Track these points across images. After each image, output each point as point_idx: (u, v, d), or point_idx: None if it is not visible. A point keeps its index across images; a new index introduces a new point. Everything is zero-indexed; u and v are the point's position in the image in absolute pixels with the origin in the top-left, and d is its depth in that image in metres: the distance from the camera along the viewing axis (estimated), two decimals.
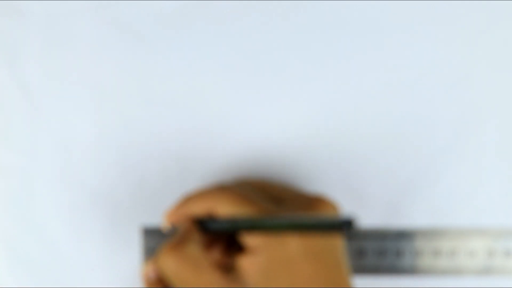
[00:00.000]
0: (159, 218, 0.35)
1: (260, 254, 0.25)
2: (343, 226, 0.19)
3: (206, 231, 0.28)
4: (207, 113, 0.35)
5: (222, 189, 0.27)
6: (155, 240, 0.35)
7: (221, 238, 0.30)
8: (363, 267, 0.34)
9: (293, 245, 0.24)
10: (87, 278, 0.35)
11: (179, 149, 0.35)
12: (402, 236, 0.34)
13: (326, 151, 0.35)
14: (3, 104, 0.35)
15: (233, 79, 0.34)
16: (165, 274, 0.27)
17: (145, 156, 0.35)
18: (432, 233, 0.35)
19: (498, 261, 0.35)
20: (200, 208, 0.28)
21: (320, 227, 0.20)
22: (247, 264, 0.25)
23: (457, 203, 0.35)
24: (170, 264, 0.26)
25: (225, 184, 0.28)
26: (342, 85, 0.34)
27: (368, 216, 0.35)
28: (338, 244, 0.26)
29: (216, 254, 0.29)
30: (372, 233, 0.34)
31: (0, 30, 0.34)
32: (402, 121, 0.34)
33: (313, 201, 0.27)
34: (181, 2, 0.34)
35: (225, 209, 0.26)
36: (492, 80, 0.34)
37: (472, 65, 0.34)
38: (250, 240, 0.25)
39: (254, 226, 0.24)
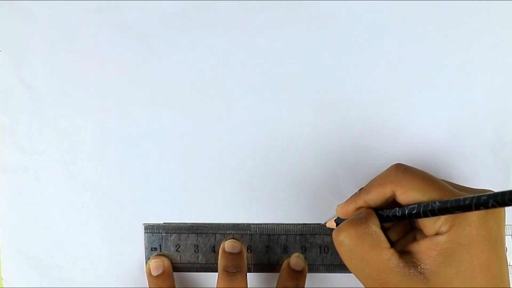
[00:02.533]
0: (162, 216, 0.35)
1: (445, 235, 0.24)
2: None
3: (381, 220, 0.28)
4: (210, 112, 0.35)
5: (402, 172, 0.26)
6: (158, 237, 0.35)
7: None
8: None
9: (477, 226, 0.24)
10: (92, 275, 0.36)
11: (181, 147, 0.35)
12: None
13: (325, 151, 0.35)
14: (9, 104, 0.35)
15: (235, 78, 0.35)
16: (342, 246, 0.26)
17: (148, 154, 0.35)
18: None
19: None
20: (379, 196, 0.27)
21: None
22: (428, 246, 0.25)
23: None
24: (352, 236, 0.26)
25: (402, 167, 0.27)
26: (341, 86, 0.34)
27: None
28: (504, 236, 0.26)
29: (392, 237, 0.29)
30: None
31: (6, 31, 0.34)
32: (399, 122, 0.35)
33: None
34: (183, 3, 0.34)
35: (410, 193, 0.26)
36: (487, 81, 0.34)
37: (468, 66, 0.34)
38: (434, 222, 0.25)
39: (446, 207, 0.24)
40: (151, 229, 0.35)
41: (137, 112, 0.35)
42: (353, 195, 0.29)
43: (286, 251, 0.35)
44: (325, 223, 0.34)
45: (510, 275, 0.27)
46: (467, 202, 0.23)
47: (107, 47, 0.34)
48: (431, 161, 0.35)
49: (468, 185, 0.34)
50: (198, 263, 0.35)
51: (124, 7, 0.34)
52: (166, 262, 0.35)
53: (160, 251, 0.35)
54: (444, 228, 0.25)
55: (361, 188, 0.29)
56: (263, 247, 0.35)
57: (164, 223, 0.35)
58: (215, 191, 0.35)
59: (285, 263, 0.35)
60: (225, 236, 0.35)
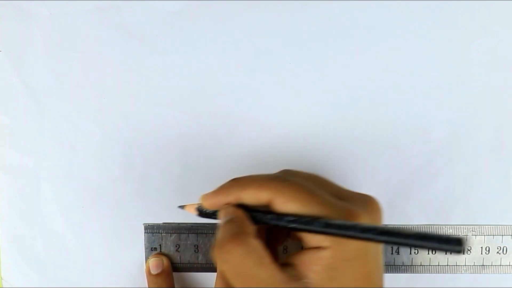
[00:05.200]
0: (161, 216, 0.35)
1: (329, 251, 0.24)
2: (456, 245, 0.19)
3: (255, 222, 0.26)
4: (210, 112, 0.35)
5: (284, 181, 0.25)
6: (158, 237, 0.35)
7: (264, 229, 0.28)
8: None
9: (357, 242, 0.23)
10: (92, 275, 0.36)
11: (181, 147, 0.35)
12: None
13: (325, 151, 0.35)
14: (9, 104, 0.35)
15: (235, 78, 0.35)
16: (227, 265, 0.24)
17: (148, 154, 0.35)
18: (428, 231, 0.35)
19: (493, 258, 0.35)
20: (253, 198, 0.25)
21: (430, 242, 0.20)
22: (311, 260, 0.24)
23: (453, 202, 0.35)
24: (235, 255, 0.24)
25: (284, 176, 0.26)
26: (341, 86, 0.34)
27: None
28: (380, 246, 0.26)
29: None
30: None
31: (7, 32, 0.34)
32: (399, 122, 0.35)
33: (369, 201, 0.26)
34: (183, 3, 0.34)
35: (289, 204, 0.24)
36: (487, 80, 0.34)
37: (468, 66, 0.34)
38: (313, 235, 0.24)
39: (333, 229, 0.23)
40: (151, 229, 0.35)
41: (137, 112, 0.35)
42: (224, 186, 0.27)
43: (286, 251, 0.35)
44: (183, 206, 0.30)
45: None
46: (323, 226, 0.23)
47: (107, 47, 0.34)
48: (431, 161, 0.35)
49: (468, 185, 0.35)
50: (198, 263, 0.35)
51: (124, 7, 0.34)
52: (166, 261, 0.35)
53: (160, 251, 0.35)
54: (326, 243, 0.24)
55: (235, 180, 0.27)
56: None
57: (164, 223, 0.35)
58: None
59: None
60: None
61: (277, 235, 0.29)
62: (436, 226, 0.35)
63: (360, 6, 0.34)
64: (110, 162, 0.35)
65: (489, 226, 0.35)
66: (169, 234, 0.35)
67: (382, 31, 0.34)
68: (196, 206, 0.29)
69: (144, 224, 0.35)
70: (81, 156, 0.35)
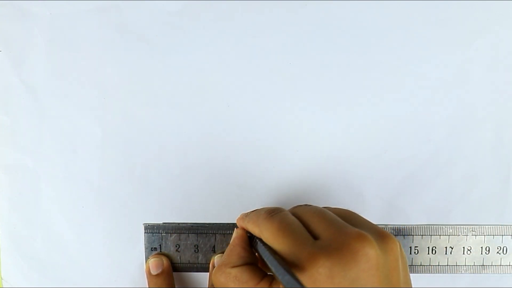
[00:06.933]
0: (162, 216, 0.35)
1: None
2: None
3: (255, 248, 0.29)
4: (210, 112, 0.35)
5: (270, 218, 0.27)
6: (158, 237, 0.35)
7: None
8: None
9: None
10: (92, 275, 0.36)
11: (181, 147, 0.35)
12: (400, 233, 0.35)
13: (325, 151, 0.35)
14: (9, 104, 0.35)
15: (235, 78, 0.35)
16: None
17: (148, 154, 0.35)
18: (429, 231, 0.35)
19: (493, 258, 0.35)
20: (252, 229, 0.29)
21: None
22: None
23: (453, 202, 0.35)
24: (221, 281, 0.27)
25: (279, 210, 0.28)
26: (341, 85, 0.34)
27: (368, 214, 0.35)
28: (394, 254, 0.25)
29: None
30: None
31: (7, 32, 0.34)
32: (399, 122, 0.35)
33: (355, 237, 0.25)
34: (183, 3, 0.34)
35: (268, 239, 0.27)
36: (487, 81, 0.34)
37: (468, 66, 0.34)
38: None
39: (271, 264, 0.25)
40: (151, 229, 0.35)
41: (137, 112, 0.35)
42: (241, 216, 0.31)
43: None
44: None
45: None
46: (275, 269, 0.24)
47: (107, 47, 0.34)
48: (431, 161, 0.35)
49: (468, 185, 0.35)
50: (198, 263, 0.35)
51: (124, 7, 0.34)
52: (166, 261, 0.35)
53: (160, 251, 0.35)
54: None
55: (243, 215, 0.30)
56: None
57: (164, 223, 0.35)
58: (215, 191, 0.35)
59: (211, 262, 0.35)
60: (225, 236, 0.35)
61: None
62: (436, 226, 0.35)
63: (360, 6, 0.34)
64: (110, 162, 0.35)
65: (489, 226, 0.35)
66: (169, 234, 0.35)
67: (382, 31, 0.34)
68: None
69: (144, 224, 0.35)
70: (81, 156, 0.35)
